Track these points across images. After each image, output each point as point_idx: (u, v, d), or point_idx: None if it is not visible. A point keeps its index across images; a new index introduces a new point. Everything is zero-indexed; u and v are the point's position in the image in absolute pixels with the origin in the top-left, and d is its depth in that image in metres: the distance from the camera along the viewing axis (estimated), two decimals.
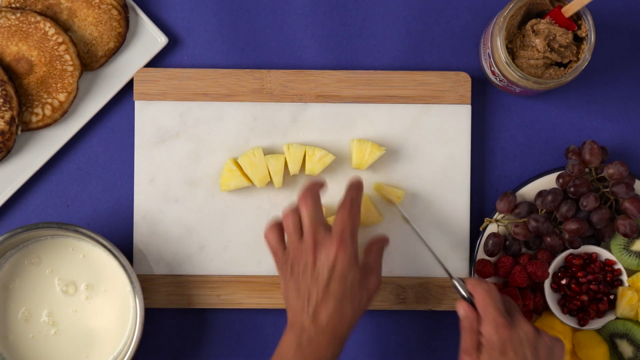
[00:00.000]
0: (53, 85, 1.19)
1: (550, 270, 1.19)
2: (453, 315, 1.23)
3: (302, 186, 1.12)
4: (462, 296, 1.11)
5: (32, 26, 1.18)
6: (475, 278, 1.12)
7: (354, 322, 1.08)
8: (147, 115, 1.22)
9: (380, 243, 1.13)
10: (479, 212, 1.23)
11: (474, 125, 1.23)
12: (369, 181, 1.21)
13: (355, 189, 1.11)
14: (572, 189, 1.16)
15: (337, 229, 1.07)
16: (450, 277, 1.14)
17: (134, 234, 1.21)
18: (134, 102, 1.23)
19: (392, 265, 1.21)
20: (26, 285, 1.18)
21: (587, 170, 1.19)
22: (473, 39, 1.24)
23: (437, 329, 1.24)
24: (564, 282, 1.19)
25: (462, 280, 1.12)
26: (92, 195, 1.23)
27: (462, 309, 1.09)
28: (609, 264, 1.19)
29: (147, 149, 1.21)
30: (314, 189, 1.10)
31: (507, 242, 1.20)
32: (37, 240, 1.18)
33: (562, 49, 1.14)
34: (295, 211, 1.10)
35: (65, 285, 1.18)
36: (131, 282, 1.14)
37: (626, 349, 1.19)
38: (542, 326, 1.19)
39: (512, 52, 1.16)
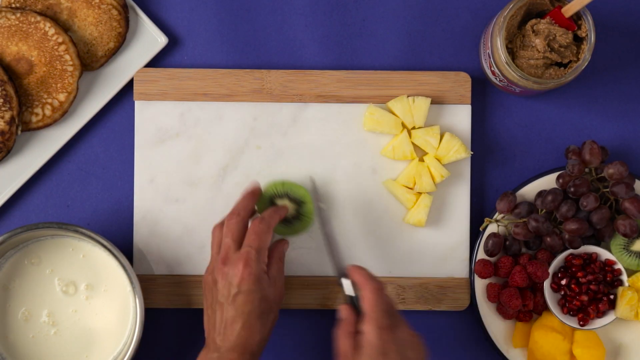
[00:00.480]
0: (53, 85, 1.19)
1: (550, 270, 1.19)
2: (453, 315, 1.23)
3: (237, 200, 1.14)
4: (346, 297, 1.11)
5: (32, 26, 1.18)
6: (363, 272, 1.10)
7: (265, 335, 1.09)
8: (147, 115, 1.22)
9: (279, 250, 1.15)
10: (479, 212, 1.23)
11: (474, 125, 1.24)
12: (370, 182, 1.21)
13: (270, 210, 1.13)
14: (572, 189, 1.16)
15: (244, 248, 1.10)
16: (338, 276, 1.14)
17: (134, 234, 1.21)
18: (134, 102, 1.23)
19: (392, 265, 1.21)
20: (26, 285, 1.18)
21: (587, 170, 1.19)
22: (473, 39, 1.24)
23: (437, 329, 1.24)
24: (564, 282, 1.19)
25: (349, 272, 1.11)
26: (92, 195, 1.23)
27: (343, 311, 1.09)
28: (609, 264, 1.19)
29: (147, 149, 1.22)
30: (244, 208, 1.13)
31: (507, 242, 1.20)
32: (37, 240, 1.18)
33: (562, 49, 1.14)
34: (221, 227, 1.13)
35: (65, 285, 1.18)
36: (131, 282, 1.14)
37: (289, 206, 1.18)
38: (542, 326, 1.19)
39: (512, 52, 1.16)
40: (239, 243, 1.11)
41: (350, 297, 1.11)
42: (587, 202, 1.16)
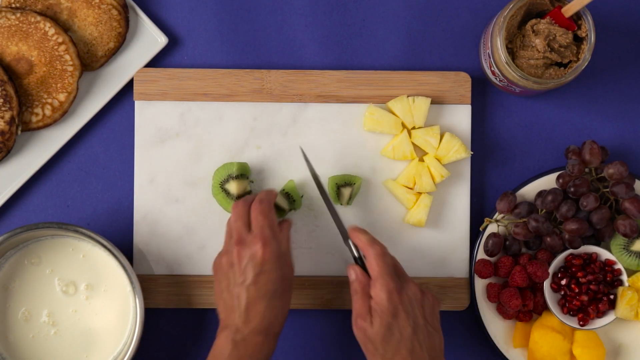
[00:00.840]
0: (53, 85, 1.19)
1: (550, 270, 1.19)
2: (453, 315, 1.23)
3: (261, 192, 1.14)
4: (354, 257, 1.12)
5: (32, 26, 1.18)
6: (363, 236, 1.11)
7: (285, 315, 1.09)
8: (147, 115, 1.22)
9: (285, 228, 1.13)
10: (479, 212, 1.23)
11: (474, 125, 1.23)
12: (370, 182, 1.21)
13: (263, 192, 1.14)
14: (572, 189, 1.16)
15: (256, 228, 1.09)
16: (344, 238, 1.14)
17: (134, 234, 1.21)
18: (134, 102, 1.23)
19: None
20: (26, 285, 1.18)
21: (587, 170, 1.19)
22: (473, 39, 1.24)
23: None
24: (564, 282, 1.19)
25: (351, 236, 1.12)
26: (92, 195, 1.23)
27: (353, 273, 1.10)
28: (609, 263, 1.19)
29: (147, 149, 1.21)
30: (270, 197, 1.13)
31: (507, 242, 1.20)
32: (37, 240, 1.18)
33: (562, 49, 1.14)
34: (245, 204, 1.12)
35: (65, 285, 1.18)
36: (131, 282, 1.14)
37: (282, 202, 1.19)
38: (542, 326, 1.19)
39: (512, 52, 1.16)
40: (250, 226, 1.10)
41: (358, 257, 1.12)
42: (587, 202, 1.16)
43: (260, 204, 1.11)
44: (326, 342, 1.23)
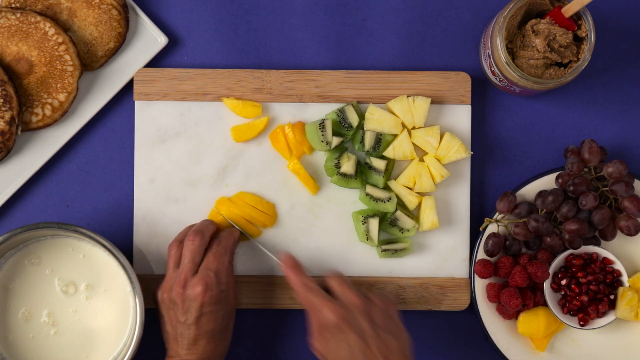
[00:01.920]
0: (53, 85, 1.19)
1: (551, 270, 1.19)
2: (453, 315, 1.23)
3: (196, 225, 1.17)
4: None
5: (32, 26, 1.18)
6: (288, 267, 1.14)
7: (228, 344, 1.15)
8: (147, 115, 1.22)
9: (228, 240, 1.16)
10: (479, 212, 1.23)
11: (474, 125, 1.24)
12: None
13: (225, 232, 1.17)
14: (571, 188, 1.16)
15: (202, 271, 1.12)
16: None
17: (134, 234, 1.21)
18: (134, 102, 1.23)
19: (392, 265, 1.21)
20: (26, 285, 1.18)
21: (586, 169, 1.19)
22: (473, 39, 1.24)
23: (437, 329, 1.24)
24: (564, 282, 1.19)
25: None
26: (92, 195, 1.23)
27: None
28: (607, 263, 1.19)
29: (147, 149, 1.21)
30: (206, 229, 1.16)
31: (507, 242, 1.20)
32: (37, 240, 1.18)
33: (562, 49, 1.14)
34: (180, 245, 1.15)
35: (65, 285, 1.18)
36: (131, 282, 1.14)
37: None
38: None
39: (512, 52, 1.16)
40: (198, 265, 1.13)
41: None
42: (586, 200, 1.16)
43: (217, 246, 1.14)
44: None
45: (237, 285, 1.21)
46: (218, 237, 1.16)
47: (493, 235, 1.19)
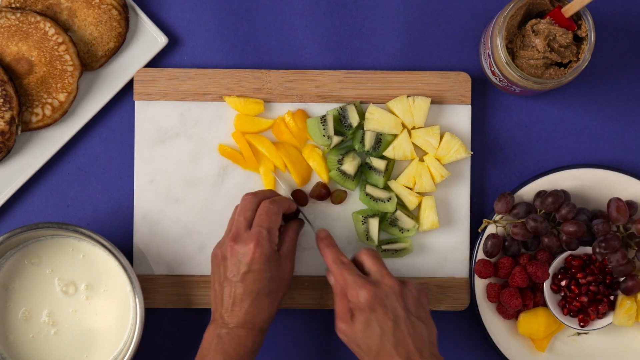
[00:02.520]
0: (53, 85, 1.19)
1: (550, 271, 1.19)
2: (453, 315, 1.23)
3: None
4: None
5: (32, 26, 1.18)
6: (323, 242, 1.14)
7: (272, 312, 1.12)
8: (147, 115, 1.22)
9: (293, 229, 1.15)
10: (479, 212, 1.23)
11: (474, 125, 1.23)
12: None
13: (283, 196, 1.16)
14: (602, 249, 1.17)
15: (255, 227, 1.11)
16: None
17: (134, 234, 1.21)
18: (134, 102, 1.23)
19: (392, 265, 1.21)
20: (26, 285, 1.18)
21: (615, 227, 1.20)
22: (473, 39, 1.24)
23: (437, 329, 1.23)
24: (563, 283, 1.19)
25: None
26: (92, 195, 1.23)
27: (332, 278, 1.13)
28: (606, 263, 1.19)
29: (147, 149, 1.22)
30: (265, 191, 1.15)
31: (506, 243, 1.20)
32: (37, 240, 1.18)
33: (562, 49, 1.14)
34: (254, 199, 1.13)
35: (65, 285, 1.18)
36: (131, 282, 1.14)
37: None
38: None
39: (512, 52, 1.16)
40: (252, 222, 1.12)
41: None
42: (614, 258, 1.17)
43: (270, 204, 1.12)
44: (326, 342, 1.23)
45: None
46: (273, 197, 1.14)
47: (492, 236, 1.19)
